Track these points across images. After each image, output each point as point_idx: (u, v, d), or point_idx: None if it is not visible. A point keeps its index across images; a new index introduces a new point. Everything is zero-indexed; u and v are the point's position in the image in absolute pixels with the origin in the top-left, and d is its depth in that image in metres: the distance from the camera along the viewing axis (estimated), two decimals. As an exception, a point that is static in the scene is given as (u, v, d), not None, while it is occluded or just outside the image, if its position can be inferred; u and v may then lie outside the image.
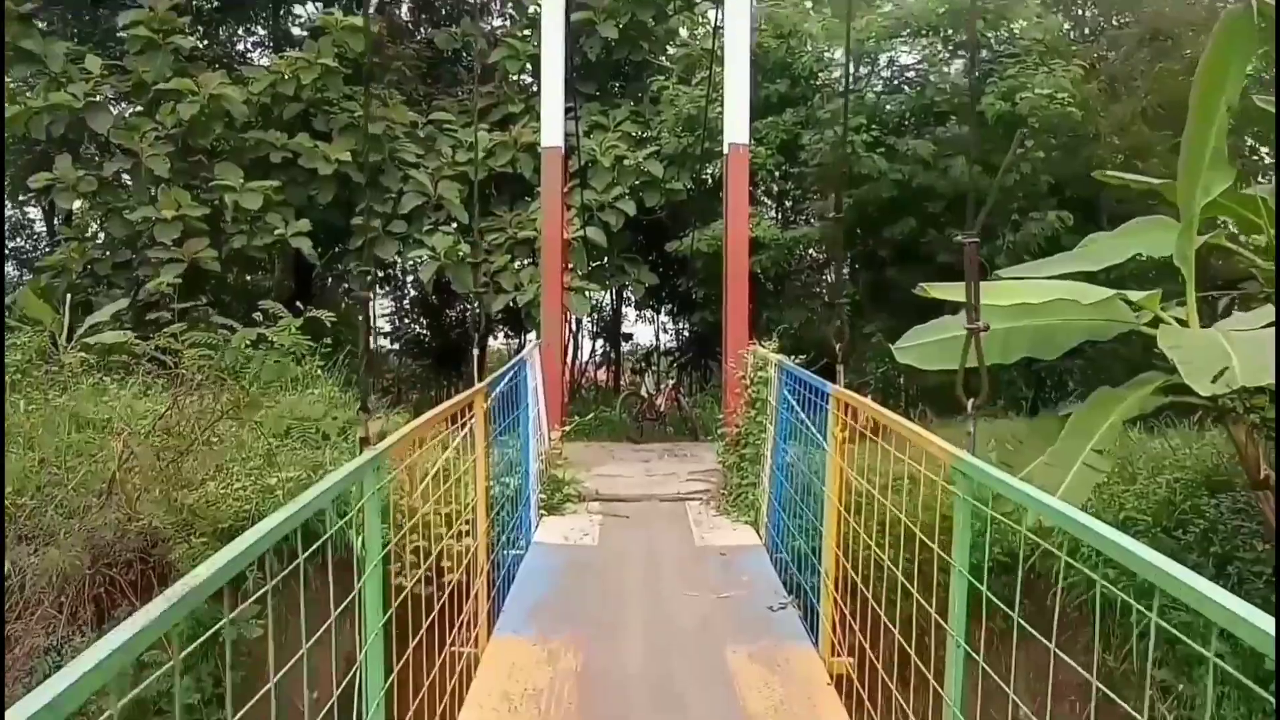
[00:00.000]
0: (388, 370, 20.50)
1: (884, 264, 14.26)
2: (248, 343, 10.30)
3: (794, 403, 5.58)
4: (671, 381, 13.80)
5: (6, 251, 18.38)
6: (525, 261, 13.66)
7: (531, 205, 13.58)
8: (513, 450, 6.19)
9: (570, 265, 13.63)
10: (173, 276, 12.31)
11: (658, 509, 7.53)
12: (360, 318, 11.18)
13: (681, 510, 7.45)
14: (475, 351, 7.02)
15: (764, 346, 7.10)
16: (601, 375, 20.99)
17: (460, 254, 13.32)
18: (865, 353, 14.15)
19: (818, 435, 4.84)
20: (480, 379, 5.12)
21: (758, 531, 6.63)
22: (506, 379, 5.54)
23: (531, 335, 20.04)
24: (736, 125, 8.62)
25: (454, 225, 13.83)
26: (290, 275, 17.31)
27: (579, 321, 18.95)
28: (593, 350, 21.40)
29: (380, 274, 16.88)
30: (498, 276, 13.53)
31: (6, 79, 12.73)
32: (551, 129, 8.79)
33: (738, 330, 8.50)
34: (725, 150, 8.72)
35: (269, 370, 9.68)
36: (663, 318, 20.86)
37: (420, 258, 13.37)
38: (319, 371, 10.27)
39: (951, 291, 5.36)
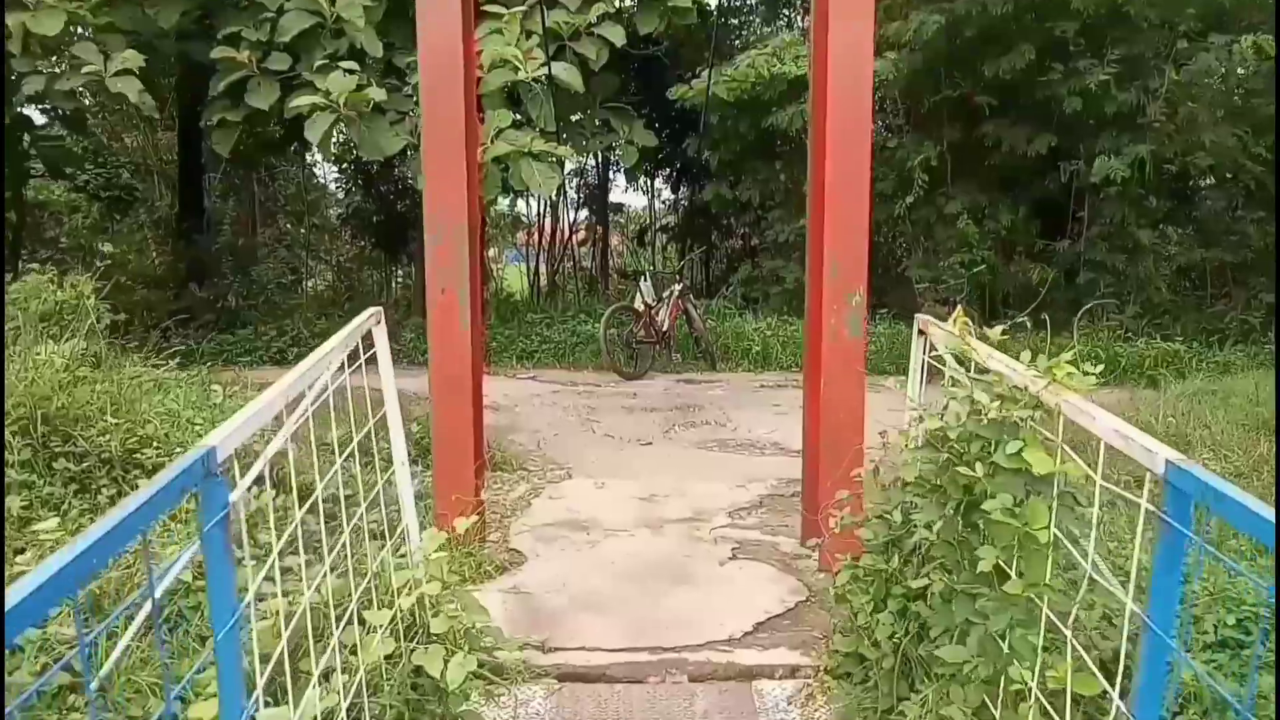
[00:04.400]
0: (326, 251, 15.88)
1: (977, 115, 9.36)
2: None
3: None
4: (678, 287, 9.09)
5: None
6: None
7: (481, 27, 8.32)
8: None
9: (530, 119, 8.72)
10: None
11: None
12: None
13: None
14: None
15: (986, 328, 2.42)
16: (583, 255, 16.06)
17: (369, 102, 8.34)
18: (946, 242, 9.48)
19: None
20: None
21: None
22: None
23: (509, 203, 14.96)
24: None
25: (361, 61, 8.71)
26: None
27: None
28: (574, 223, 16.27)
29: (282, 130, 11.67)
30: (428, 135, 8.59)
31: None
32: None
33: (849, 251, 3.72)
34: None
35: None
36: (659, 184, 15.82)
37: (308, 108, 8.36)
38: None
39: None
